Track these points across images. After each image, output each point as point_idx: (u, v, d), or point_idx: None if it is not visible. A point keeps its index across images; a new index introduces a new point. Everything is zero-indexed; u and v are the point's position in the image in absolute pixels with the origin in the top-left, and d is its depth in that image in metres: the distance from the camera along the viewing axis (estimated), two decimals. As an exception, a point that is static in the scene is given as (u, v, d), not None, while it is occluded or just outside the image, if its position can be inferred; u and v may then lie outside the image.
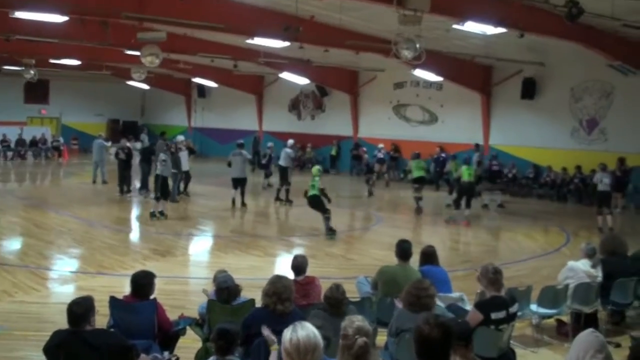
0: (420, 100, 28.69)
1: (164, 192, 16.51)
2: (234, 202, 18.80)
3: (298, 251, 12.59)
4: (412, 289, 5.75)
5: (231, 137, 32.24)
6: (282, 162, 20.07)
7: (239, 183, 18.77)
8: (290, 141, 20.89)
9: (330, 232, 14.96)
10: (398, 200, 19.38)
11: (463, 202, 17.31)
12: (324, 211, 15.13)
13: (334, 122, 32.44)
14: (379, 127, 30.08)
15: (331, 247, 13.65)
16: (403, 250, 7.49)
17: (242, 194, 18.87)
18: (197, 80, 35.77)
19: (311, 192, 15.02)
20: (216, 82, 34.89)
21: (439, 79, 25.75)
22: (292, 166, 20.43)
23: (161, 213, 16.43)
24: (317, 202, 15.01)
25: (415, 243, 8.17)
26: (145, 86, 38.83)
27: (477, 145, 22.57)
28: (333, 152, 32.11)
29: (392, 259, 7.84)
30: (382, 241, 14.45)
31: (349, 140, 31.53)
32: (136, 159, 21.58)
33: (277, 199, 20.04)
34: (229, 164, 18.76)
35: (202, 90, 38.84)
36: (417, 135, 28.47)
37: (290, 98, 34.57)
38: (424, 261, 7.70)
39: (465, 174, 17.07)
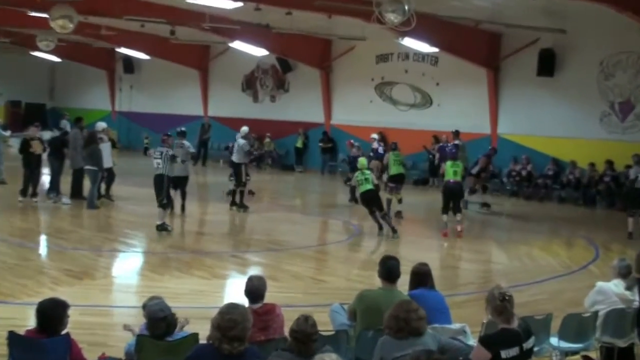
0: (411, 77, 28.82)
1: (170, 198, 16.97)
2: (172, 207, 18.63)
3: (254, 271, 12.62)
4: (399, 311, 5.90)
5: (168, 125, 31.88)
6: (234, 157, 20.15)
7: (179, 183, 18.76)
8: (244, 129, 20.64)
9: (394, 231, 16.77)
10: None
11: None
12: (381, 208, 16.91)
13: (300, 105, 32.58)
14: (358, 111, 30.32)
15: (297, 266, 13.76)
16: (388, 269, 7.55)
17: (183, 196, 19.00)
18: (124, 50, 35.67)
19: (365, 187, 16.57)
20: (148, 53, 34.91)
21: (434, 50, 25.88)
22: (247, 162, 20.52)
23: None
24: (374, 197, 16.71)
25: (404, 260, 8.21)
26: (55, 58, 38.78)
27: (456, 133, 22.89)
28: (299, 144, 32.33)
29: (375, 281, 7.88)
30: (362, 259, 14.71)
31: (319, 127, 31.73)
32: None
33: (233, 203, 20.09)
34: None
35: (129, 64, 38.73)
36: (406, 121, 28.76)
37: (243, 74, 34.78)
38: (416, 283, 7.77)
39: (450, 172, 17.38)
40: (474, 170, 21.36)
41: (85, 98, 42.06)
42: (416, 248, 15.97)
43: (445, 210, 17.44)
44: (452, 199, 17.37)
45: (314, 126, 31.95)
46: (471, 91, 26.79)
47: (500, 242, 17.21)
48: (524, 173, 25.13)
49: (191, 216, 19.05)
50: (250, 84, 34.84)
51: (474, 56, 25.72)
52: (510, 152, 25.21)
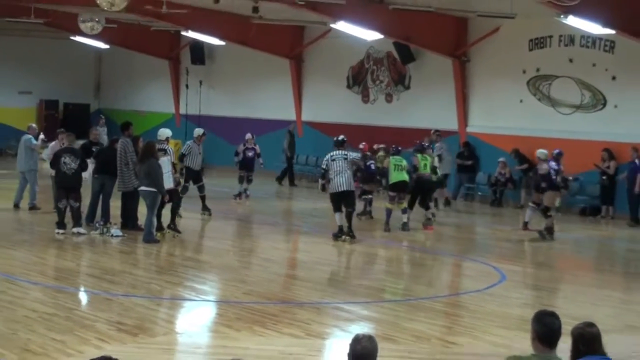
0: (577, 68, 28.39)
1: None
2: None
3: (363, 329, 12.51)
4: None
5: (242, 130, 31.95)
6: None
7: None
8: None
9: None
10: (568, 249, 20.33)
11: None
12: (429, 201, 23.52)
13: (425, 107, 32.48)
14: (503, 114, 30.24)
15: (420, 323, 13.67)
16: (548, 328, 7.49)
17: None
18: (192, 34, 36.09)
19: (400, 177, 22.17)
20: (223, 37, 35.23)
21: (609, 32, 25.36)
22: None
23: None
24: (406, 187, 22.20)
25: (564, 317, 7.90)
26: (102, 45, 39.68)
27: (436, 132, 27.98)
28: (422, 161, 31.01)
29: (524, 345, 7.96)
30: (508, 314, 14.49)
31: (451, 137, 31.20)
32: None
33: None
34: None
35: (199, 51, 39.21)
36: (569, 128, 28.26)
37: (349, 65, 34.94)
38: (582, 350, 7.60)
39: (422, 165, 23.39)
40: None
41: (141, 97, 42.88)
42: (580, 300, 15.89)
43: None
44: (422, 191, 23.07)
45: (444, 135, 30.55)
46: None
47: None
48: None
49: (277, 254, 19.55)
50: (358, 79, 34.85)
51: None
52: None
